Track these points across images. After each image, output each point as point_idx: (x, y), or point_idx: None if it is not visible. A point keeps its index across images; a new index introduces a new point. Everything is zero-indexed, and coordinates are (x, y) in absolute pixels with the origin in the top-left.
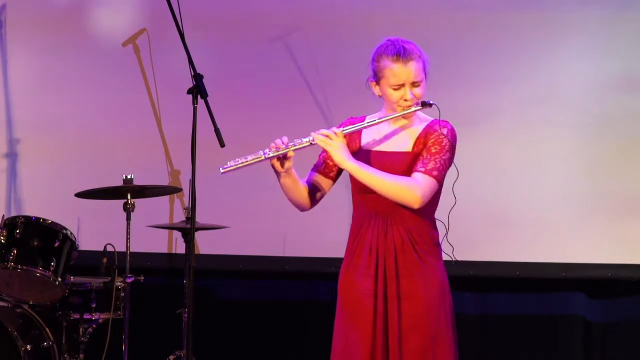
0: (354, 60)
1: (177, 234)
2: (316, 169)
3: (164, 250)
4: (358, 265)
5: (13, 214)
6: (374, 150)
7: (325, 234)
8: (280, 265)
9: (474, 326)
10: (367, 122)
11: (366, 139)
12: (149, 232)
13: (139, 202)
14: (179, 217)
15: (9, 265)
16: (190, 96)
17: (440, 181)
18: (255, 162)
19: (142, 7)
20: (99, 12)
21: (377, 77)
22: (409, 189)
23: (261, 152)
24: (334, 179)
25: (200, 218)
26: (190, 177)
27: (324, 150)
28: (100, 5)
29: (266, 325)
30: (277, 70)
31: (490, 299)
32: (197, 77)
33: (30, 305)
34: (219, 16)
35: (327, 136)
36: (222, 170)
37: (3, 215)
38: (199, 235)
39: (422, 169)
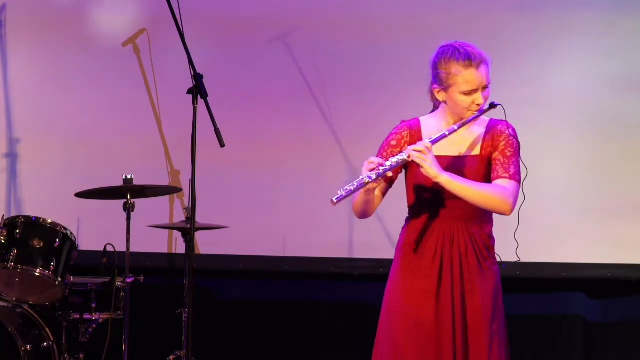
0: (353, 59)
1: (177, 234)
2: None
3: (164, 250)
4: (419, 267)
5: (13, 214)
6: (443, 156)
7: (325, 234)
8: (280, 265)
9: None
10: (448, 131)
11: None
12: (149, 232)
13: (139, 202)
14: (179, 217)
15: (9, 265)
16: (190, 96)
17: (520, 182)
18: (362, 188)
19: (142, 7)
20: (99, 12)
21: (445, 84)
22: (501, 198)
23: (365, 177)
24: (394, 182)
25: (200, 218)
26: (190, 177)
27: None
28: (100, 5)
29: (266, 325)
30: (277, 70)
31: None
32: (197, 77)
33: (30, 305)
34: (219, 16)
35: (421, 152)
36: (335, 200)
37: (3, 215)
38: (199, 235)
39: (507, 175)
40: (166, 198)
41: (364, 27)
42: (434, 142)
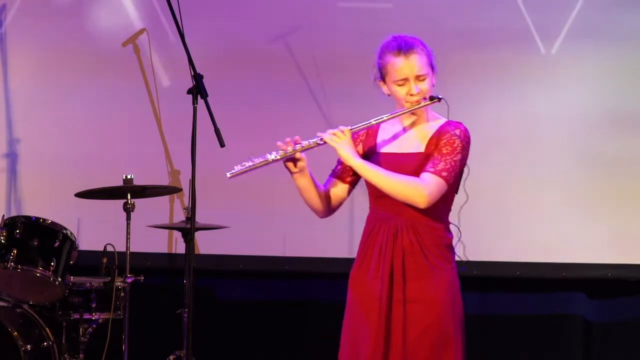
0: (354, 59)
1: (177, 234)
2: (333, 173)
3: (164, 250)
4: (369, 267)
5: (13, 214)
6: (387, 153)
7: (325, 234)
8: (280, 265)
9: (474, 326)
10: (375, 120)
11: (381, 141)
12: (149, 232)
13: (139, 202)
14: (179, 217)
15: (9, 265)
16: (190, 96)
17: (449, 182)
18: (262, 165)
19: (142, 7)
20: (99, 12)
21: (381, 75)
22: (415, 189)
23: (268, 155)
24: (351, 184)
25: (200, 218)
26: (190, 177)
27: None
28: (100, 5)
29: (266, 325)
30: (277, 70)
31: (490, 299)
32: (197, 77)
33: (30, 305)
34: (219, 16)
35: (334, 134)
36: (229, 175)
37: (3, 215)
38: (199, 235)
39: (432, 169)
40: (166, 198)
41: (365, 27)
42: (355, 127)
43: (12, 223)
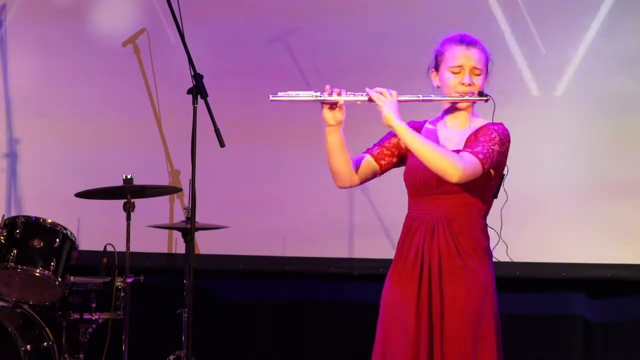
0: (354, 59)
1: (177, 234)
2: (369, 151)
3: (164, 250)
4: (405, 268)
5: (13, 214)
6: None
7: (325, 234)
8: (280, 265)
9: None
10: (423, 96)
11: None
12: (149, 232)
13: (139, 202)
14: (179, 217)
15: (9, 265)
16: (190, 96)
17: (484, 165)
18: (305, 100)
19: (142, 7)
20: (99, 12)
21: (437, 63)
22: (451, 161)
23: (313, 92)
24: (382, 168)
25: (200, 218)
26: (190, 177)
27: (384, 138)
28: (100, 5)
29: (266, 325)
30: (277, 70)
31: None
32: (197, 77)
33: (30, 305)
34: (219, 16)
35: (381, 93)
36: (271, 98)
37: (3, 215)
38: (199, 235)
39: (469, 150)
40: (166, 198)
41: (365, 27)
42: (402, 96)
43: (12, 223)
